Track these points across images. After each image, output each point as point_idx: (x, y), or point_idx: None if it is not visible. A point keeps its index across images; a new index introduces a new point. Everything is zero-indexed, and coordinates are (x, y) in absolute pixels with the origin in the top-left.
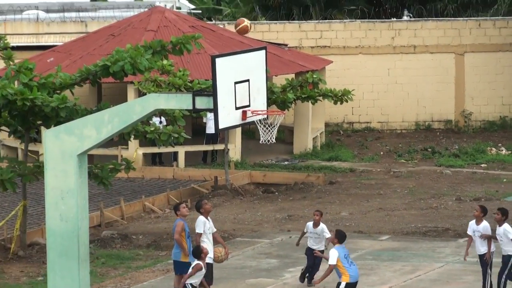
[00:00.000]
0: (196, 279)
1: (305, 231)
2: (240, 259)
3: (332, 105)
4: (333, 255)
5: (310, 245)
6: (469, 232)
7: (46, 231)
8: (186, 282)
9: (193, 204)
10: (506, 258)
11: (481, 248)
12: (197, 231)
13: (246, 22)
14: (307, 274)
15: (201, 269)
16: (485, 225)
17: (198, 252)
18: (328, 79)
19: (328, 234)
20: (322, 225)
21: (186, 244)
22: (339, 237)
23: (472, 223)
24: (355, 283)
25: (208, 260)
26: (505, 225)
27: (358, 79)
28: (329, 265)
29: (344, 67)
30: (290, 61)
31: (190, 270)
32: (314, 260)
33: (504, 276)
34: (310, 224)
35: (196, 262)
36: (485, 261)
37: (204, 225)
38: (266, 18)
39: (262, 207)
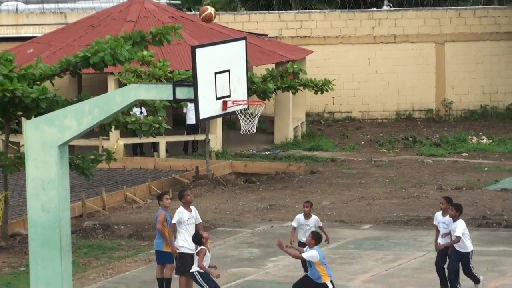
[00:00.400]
0: (205, 263)
1: (294, 225)
2: (222, 248)
3: (313, 95)
4: (315, 256)
5: (300, 238)
6: (435, 222)
7: (28, 221)
8: (193, 270)
9: (175, 194)
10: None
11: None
12: (172, 221)
13: (210, 9)
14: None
15: (205, 253)
16: (450, 218)
17: (198, 238)
18: (308, 69)
19: (320, 224)
20: (314, 216)
21: (168, 234)
22: (316, 239)
23: (438, 214)
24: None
25: (186, 250)
26: (460, 221)
27: (338, 69)
28: (315, 262)
29: (324, 57)
30: (270, 51)
31: (196, 257)
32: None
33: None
34: (300, 216)
35: (199, 248)
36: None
37: (180, 216)
38: (246, 8)
39: (244, 197)
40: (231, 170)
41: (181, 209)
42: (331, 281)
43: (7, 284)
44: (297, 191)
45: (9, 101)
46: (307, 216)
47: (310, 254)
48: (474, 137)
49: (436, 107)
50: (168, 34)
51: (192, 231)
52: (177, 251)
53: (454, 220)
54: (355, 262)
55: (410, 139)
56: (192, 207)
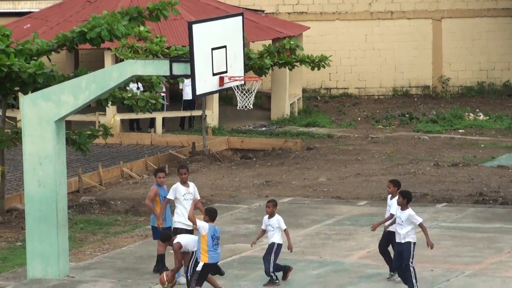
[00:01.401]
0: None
1: (263, 227)
2: (218, 224)
3: (310, 71)
4: (204, 226)
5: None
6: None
7: (25, 197)
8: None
9: (171, 170)
10: (406, 245)
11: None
12: (167, 196)
13: None
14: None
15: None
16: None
17: (166, 237)
18: (305, 45)
19: (284, 226)
20: (277, 217)
21: (160, 209)
22: (210, 214)
23: (388, 197)
24: (214, 265)
25: (181, 225)
26: (409, 210)
27: (335, 45)
28: (200, 234)
29: (321, 33)
30: (267, 27)
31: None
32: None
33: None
34: (265, 217)
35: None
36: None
37: (176, 192)
38: None
39: (240, 173)
40: (227, 146)
41: (177, 185)
42: (210, 264)
43: (4, 259)
44: (293, 167)
45: (6, 76)
46: (270, 215)
47: (200, 224)
48: (471, 114)
49: (433, 84)
50: (165, 10)
51: (189, 207)
52: (173, 226)
53: (403, 209)
54: (352, 239)
55: (406, 115)
56: (190, 183)
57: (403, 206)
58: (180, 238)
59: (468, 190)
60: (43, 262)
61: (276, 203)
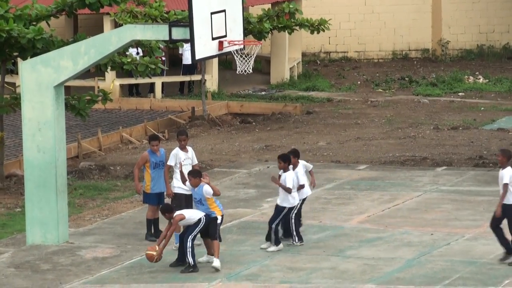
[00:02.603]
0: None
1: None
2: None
3: (309, 35)
4: (209, 192)
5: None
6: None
7: (24, 162)
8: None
9: (171, 135)
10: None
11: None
12: (167, 163)
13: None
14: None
15: (183, 218)
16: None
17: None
18: (304, 9)
19: (310, 166)
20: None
21: (147, 176)
22: (196, 175)
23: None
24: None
25: (181, 191)
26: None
27: (334, 8)
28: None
29: None
30: None
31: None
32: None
33: (274, 225)
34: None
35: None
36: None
37: (176, 158)
38: None
39: (240, 138)
40: (227, 111)
41: (176, 150)
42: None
43: (3, 225)
44: (293, 131)
45: (5, 42)
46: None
47: (206, 189)
48: (471, 77)
49: (433, 47)
50: None
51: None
52: (173, 191)
53: (285, 171)
54: (351, 203)
55: (406, 79)
56: (189, 147)
57: (285, 169)
58: (184, 211)
59: (468, 153)
60: (42, 228)
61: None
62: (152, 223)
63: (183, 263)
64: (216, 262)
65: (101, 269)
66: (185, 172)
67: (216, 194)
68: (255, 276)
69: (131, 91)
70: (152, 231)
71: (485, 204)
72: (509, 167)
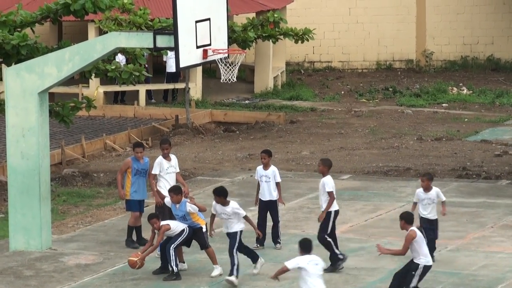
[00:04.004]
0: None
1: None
2: (201, 197)
3: (293, 44)
4: (196, 209)
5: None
6: (256, 177)
7: (7, 168)
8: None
9: (154, 142)
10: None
11: (268, 194)
12: (152, 171)
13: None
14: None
15: (169, 229)
16: (273, 169)
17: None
18: (289, 18)
19: (279, 179)
20: (273, 167)
21: (151, 185)
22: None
23: (260, 168)
24: None
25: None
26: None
27: (319, 18)
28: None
29: (305, 6)
30: (251, 0)
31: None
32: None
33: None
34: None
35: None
36: (274, 207)
37: (159, 166)
38: None
39: (223, 146)
40: (210, 119)
41: (160, 159)
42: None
43: None
44: (276, 140)
45: None
46: (265, 166)
47: (194, 207)
48: (455, 88)
49: (417, 58)
50: None
51: (172, 180)
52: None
53: (266, 168)
54: None
55: (390, 89)
56: (172, 156)
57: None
58: (170, 222)
59: (451, 164)
60: (25, 235)
61: (271, 153)
62: (134, 230)
63: (166, 271)
64: (215, 271)
65: (84, 276)
66: (169, 180)
67: (202, 210)
68: (238, 284)
69: (116, 98)
70: (135, 238)
71: (468, 215)
72: (329, 176)
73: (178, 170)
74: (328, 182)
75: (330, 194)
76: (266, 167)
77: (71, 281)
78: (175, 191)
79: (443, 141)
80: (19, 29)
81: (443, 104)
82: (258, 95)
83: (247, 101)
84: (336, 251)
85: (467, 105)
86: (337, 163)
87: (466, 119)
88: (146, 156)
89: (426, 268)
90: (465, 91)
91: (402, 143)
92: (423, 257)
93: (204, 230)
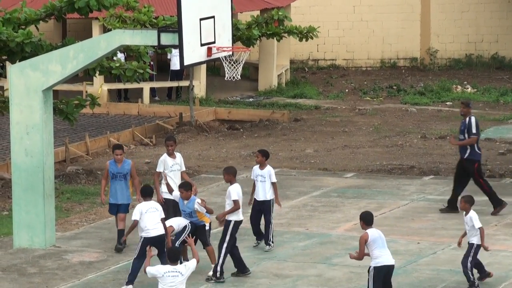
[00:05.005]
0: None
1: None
2: (205, 195)
3: (297, 42)
4: (203, 210)
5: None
6: (252, 177)
7: (11, 166)
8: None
9: (158, 140)
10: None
11: (262, 194)
12: (157, 169)
13: None
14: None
15: (173, 230)
16: (269, 169)
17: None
18: (293, 16)
19: (274, 179)
20: (269, 167)
21: (105, 185)
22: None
23: (256, 167)
24: None
25: (169, 196)
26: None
27: (323, 16)
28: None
29: (309, 4)
30: None
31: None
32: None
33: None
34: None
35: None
36: (268, 207)
37: (164, 164)
38: None
39: (227, 144)
40: (214, 117)
41: (164, 156)
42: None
43: None
44: (280, 138)
45: None
46: (261, 166)
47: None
48: (459, 86)
49: (421, 56)
50: None
51: (177, 178)
52: (162, 197)
53: (262, 168)
54: (338, 211)
55: (394, 87)
56: (177, 153)
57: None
58: (172, 222)
59: (455, 163)
60: (29, 232)
61: (267, 154)
62: (121, 232)
63: None
64: (210, 272)
65: (88, 273)
66: (173, 178)
67: (209, 213)
68: (241, 282)
69: (119, 95)
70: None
71: None
72: (236, 184)
73: (183, 168)
74: (232, 191)
75: (235, 202)
76: (262, 166)
77: (75, 279)
78: (185, 187)
79: (447, 139)
80: (23, 27)
81: (447, 103)
82: (262, 93)
83: (251, 99)
84: (220, 261)
85: (471, 104)
86: (341, 161)
87: None
88: (128, 160)
89: (377, 270)
90: (469, 89)
91: (406, 141)
92: (374, 259)
93: (207, 228)
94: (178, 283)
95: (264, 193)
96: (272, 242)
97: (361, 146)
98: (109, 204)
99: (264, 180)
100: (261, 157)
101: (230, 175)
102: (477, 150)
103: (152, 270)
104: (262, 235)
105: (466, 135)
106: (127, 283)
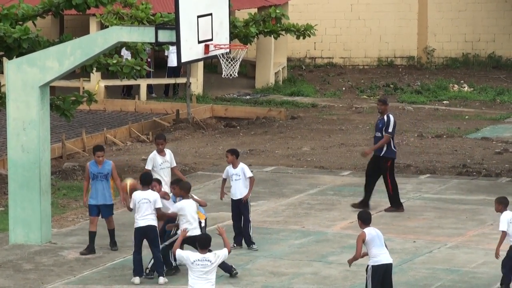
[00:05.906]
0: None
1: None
2: (201, 192)
3: (295, 40)
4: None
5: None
6: (225, 176)
7: (8, 162)
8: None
9: (153, 137)
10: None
11: (238, 192)
12: (146, 167)
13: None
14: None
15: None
16: (242, 166)
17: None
18: (290, 14)
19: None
20: (242, 165)
21: (87, 187)
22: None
23: (229, 167)
24: None
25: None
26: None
27: (320, 14)
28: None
29: (307, 2)
30: None
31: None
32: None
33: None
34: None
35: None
36: (244, 205)
37: (154, 162)
38: None
39: (224, 141)
40: (211, 114)
41: (154, 154)
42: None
43: None
44: (277, 136)
45: None
46: (233, 165)
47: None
48: (456, 85)
49: (418, 54)
50: None
51: (167, 175)
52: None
53: (235, 166)
54: (334, 209)
55: (391, 86)
56: (167, 150)
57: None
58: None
59: (451, 161)
60: (25, 228)
61: (237, 152)
62: (95, 235)
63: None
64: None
65: (83, 270)
66: (163, 175)
67: (202, 205)
68: (237, 280)
69: (123, 91)
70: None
71: (467, 212)
72: (191, 199)
73: (174, 165)
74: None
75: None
76: (234, 165)
77: (71, 275)
78: (177, 183)
79: (443, 138)
80: (20, 23)
81: (444, 101)
82: (259, 90)
83: (248, 97)
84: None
85: (468, 103)
86: (337, 159)
87: (466, 117)
88: (109, 160)
89: (375, 268)
90: (466, 88)
91: (402, 140)
92: (372, 258)
93: (203, 225)
94: (208, 271)
95: (240, 191)
96: (253, 242)
97: (358, 144)
98: (89, 205)
99: (239, 178)
100: (231, 157)
101: (182, 190)
102: (393, 148)
103: (182, 253)
104: (241, 237)
105: (384, 132)
106: (135, 275)
